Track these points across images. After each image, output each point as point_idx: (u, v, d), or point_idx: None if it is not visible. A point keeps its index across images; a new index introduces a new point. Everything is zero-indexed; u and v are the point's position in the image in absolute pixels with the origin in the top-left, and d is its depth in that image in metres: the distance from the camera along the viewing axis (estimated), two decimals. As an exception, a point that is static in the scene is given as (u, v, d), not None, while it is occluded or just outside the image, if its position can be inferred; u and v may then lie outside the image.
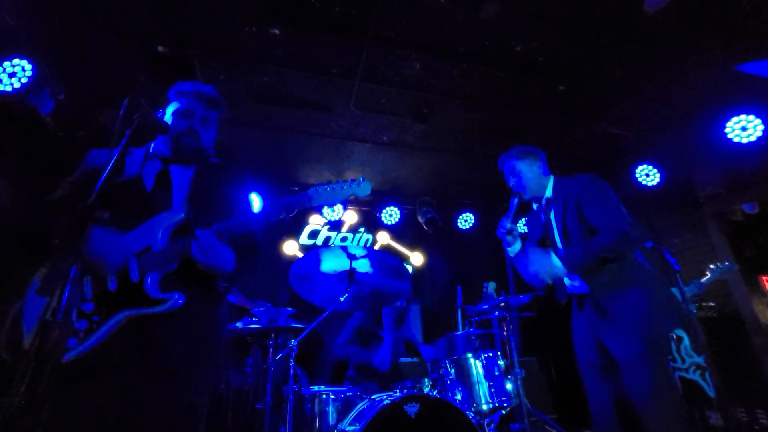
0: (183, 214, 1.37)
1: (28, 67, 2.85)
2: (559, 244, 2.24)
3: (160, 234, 1.33)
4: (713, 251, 4.25)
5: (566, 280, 2.22)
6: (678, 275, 3.47)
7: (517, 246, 2.34)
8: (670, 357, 3.68)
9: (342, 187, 1.43)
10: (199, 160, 1.58)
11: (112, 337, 1.19)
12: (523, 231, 2.35)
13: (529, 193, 2.36)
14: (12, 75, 2.81)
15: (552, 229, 2.30)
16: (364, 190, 1.47)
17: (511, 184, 2.40)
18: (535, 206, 2.47)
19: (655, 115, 4.10)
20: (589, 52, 3.27)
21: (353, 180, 1.46)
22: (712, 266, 3.62)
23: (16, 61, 2.83)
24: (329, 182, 1.44)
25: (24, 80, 2.84)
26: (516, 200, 2.33)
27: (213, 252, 1.32)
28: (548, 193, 2.33)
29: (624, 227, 1.98)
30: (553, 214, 2.27)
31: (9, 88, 2.83)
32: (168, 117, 1.58)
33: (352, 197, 1.45)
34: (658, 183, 4.51)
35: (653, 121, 4.20)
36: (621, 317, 1.93)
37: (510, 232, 2.31)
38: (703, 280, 3.61)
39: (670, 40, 3.14)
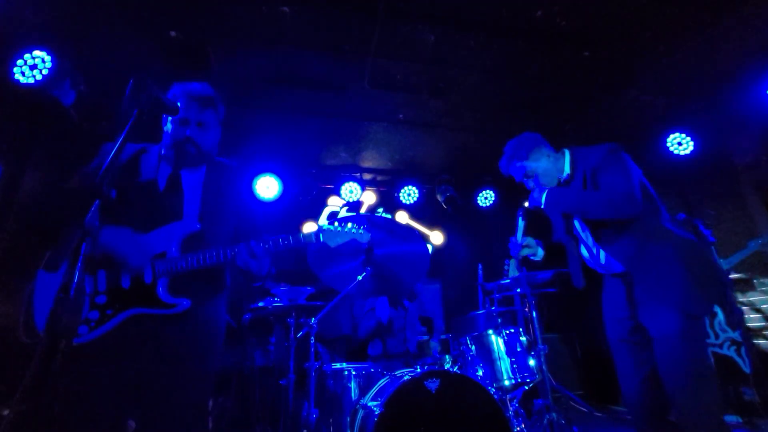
0: (198, 227, 1.48)
1: (47, 58, 2.91)
2: (577, 224, 2.12)
3: (174, 243, 1.45)
4: (752, 222, 4.01)
5: (602, 259, 2.03)
6: (713, 247, 3.33)
7: (540, 252, 2.27)
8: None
9: (345, 232, 1.61)
10: (205, 161, 1.65)
11: (121, 328, 1.28)
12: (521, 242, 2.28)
13: (550, 185, 2.15)
14: (33, 67, 2.88)
15: None
16: (364, 237, 1.64)
17: (530, 187, 2.20)
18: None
19: (688, 80, 3.83)
20: (616, 13, 3.06)
21: (357, 228, 1.64)
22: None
23: (36, 53, 2.89)
24: (336, 225, 1.62)
25: (45, 72, 2.90)
26: (521, 218, 2.26)
27: (258, 261, 1.46)
28: (567, 169, 2.12)
29: (635, 195, 1.83)
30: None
31: (32, 80, 2.90)
32: (168, 125, 1.61)
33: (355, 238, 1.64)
34: (691, 152, 4.26)
35: (686, 86, 3.93)
36: (658, 292, 1.81)
37: (526, 245, 2.25)
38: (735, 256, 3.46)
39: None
